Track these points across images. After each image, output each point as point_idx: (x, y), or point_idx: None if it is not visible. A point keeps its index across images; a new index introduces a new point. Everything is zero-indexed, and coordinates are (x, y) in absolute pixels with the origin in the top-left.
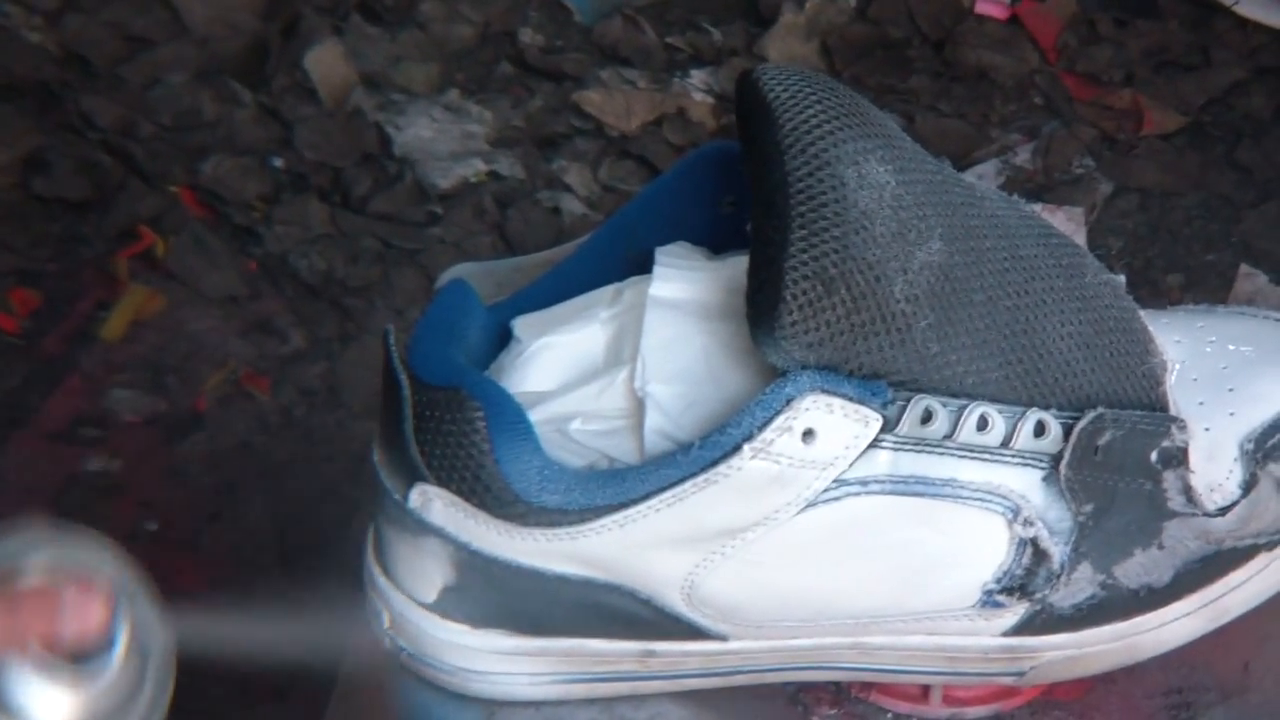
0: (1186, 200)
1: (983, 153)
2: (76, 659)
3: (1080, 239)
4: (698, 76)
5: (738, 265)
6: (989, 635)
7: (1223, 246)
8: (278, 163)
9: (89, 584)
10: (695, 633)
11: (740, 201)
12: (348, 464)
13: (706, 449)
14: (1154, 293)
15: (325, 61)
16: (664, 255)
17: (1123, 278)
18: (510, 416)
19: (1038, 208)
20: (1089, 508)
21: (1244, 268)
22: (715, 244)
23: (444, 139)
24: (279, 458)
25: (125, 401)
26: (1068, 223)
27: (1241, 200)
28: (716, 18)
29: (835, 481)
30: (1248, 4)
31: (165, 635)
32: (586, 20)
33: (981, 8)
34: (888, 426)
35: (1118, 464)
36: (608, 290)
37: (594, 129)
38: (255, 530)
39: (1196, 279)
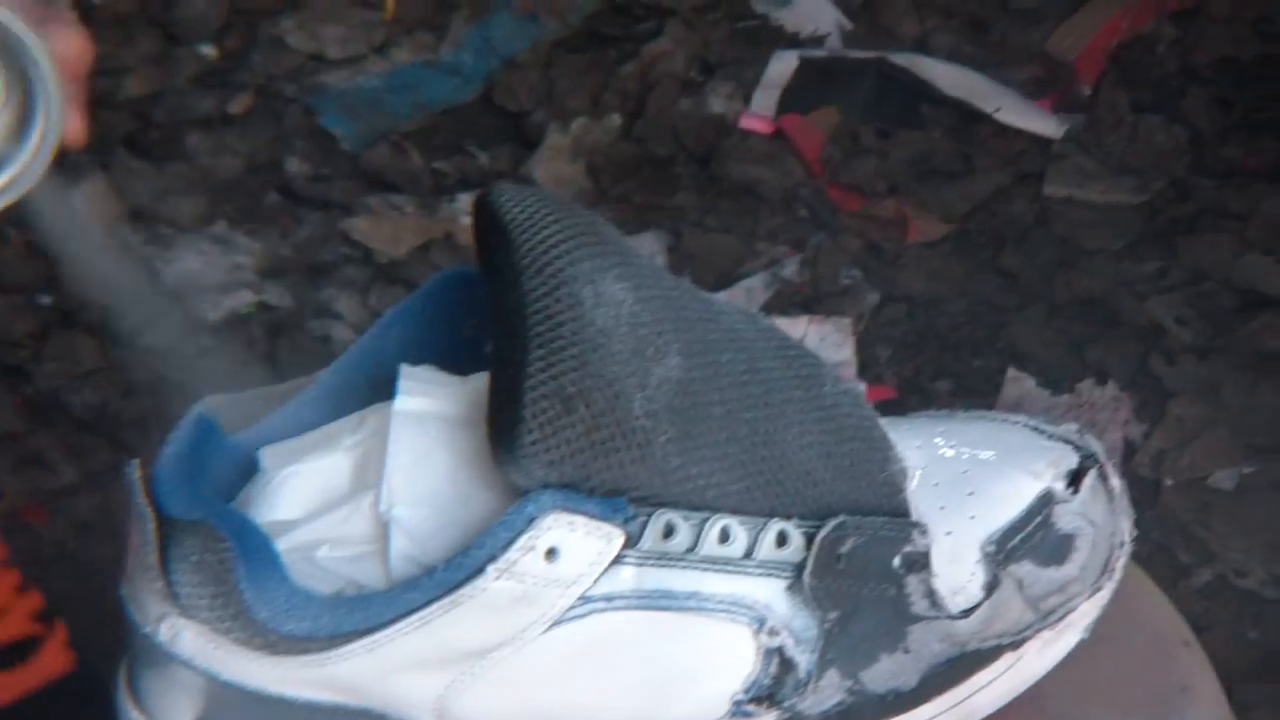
0: (953, 307)
1: (750, 266)
2: None
3: (849, 349)
4: (465, 200)
5: (481, 386)
6: None
7: (990, 352)
8: (46, 300)
9: None
10: None
11: (483, 324)
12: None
13: (451, 571)
14: (924, 400)
15: (92, 197)
16: (407, 379)
17: (863, 386)
18: (256, 546)
19: (805, 320)
20: (834, 615)
21: (1011, 372)
22: (460, 368)
23: (212, 270)
24: (54, 591)
25: None
26: (836, 333)
27: (1007, 305)
28: (482, 141)
29: (581, 599)
30: (1007, 111)
31: (43, 56)
32: (353, 148)
33: (746, 123)
34: (630, 542)
35: (861, 571)
36: (353, 417)
37: (362, 256)
38: None
39: (965, 385)
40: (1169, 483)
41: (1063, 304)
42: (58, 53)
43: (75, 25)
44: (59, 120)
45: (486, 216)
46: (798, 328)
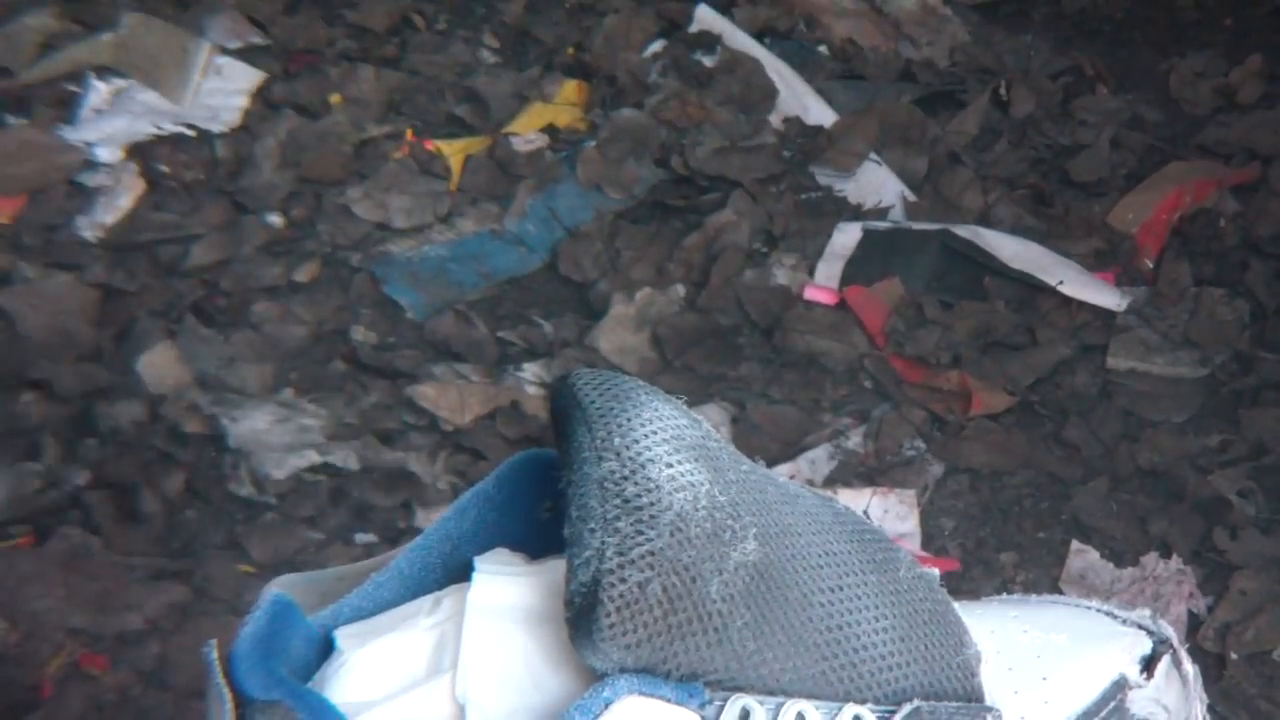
0: (1016, 479)
1: (814, 438)
2: None
3: (913, 521)
4: (530, 369)
5: (556, 569)
6: None
7: (1053, 524)
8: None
9: None
10: None
11: (558, 506)
12: None
13: None
14: (988, 572)
15: (157, 365)
16: (483, 562)
17: (936, 571)
18: None
19: (870, 491)
20: None
21: (1075, 544)
22: (534, 549)
23: (278, 433)
24: None
25: None
26: (900, 505)
27: (1070, 477)
28: (547, 311)
29: None
30: (1070, 283)
31: None
32: (418, 316)
33: (810, 294)
34: None
35: None
36: (428, 599)
37: (428, 423)
38: None
39: (1029, 557)
40: (1234, 656)
41: (1126, 476)
42: None
43: None
44: None
45: (564, 399)
46: (862, 499)
